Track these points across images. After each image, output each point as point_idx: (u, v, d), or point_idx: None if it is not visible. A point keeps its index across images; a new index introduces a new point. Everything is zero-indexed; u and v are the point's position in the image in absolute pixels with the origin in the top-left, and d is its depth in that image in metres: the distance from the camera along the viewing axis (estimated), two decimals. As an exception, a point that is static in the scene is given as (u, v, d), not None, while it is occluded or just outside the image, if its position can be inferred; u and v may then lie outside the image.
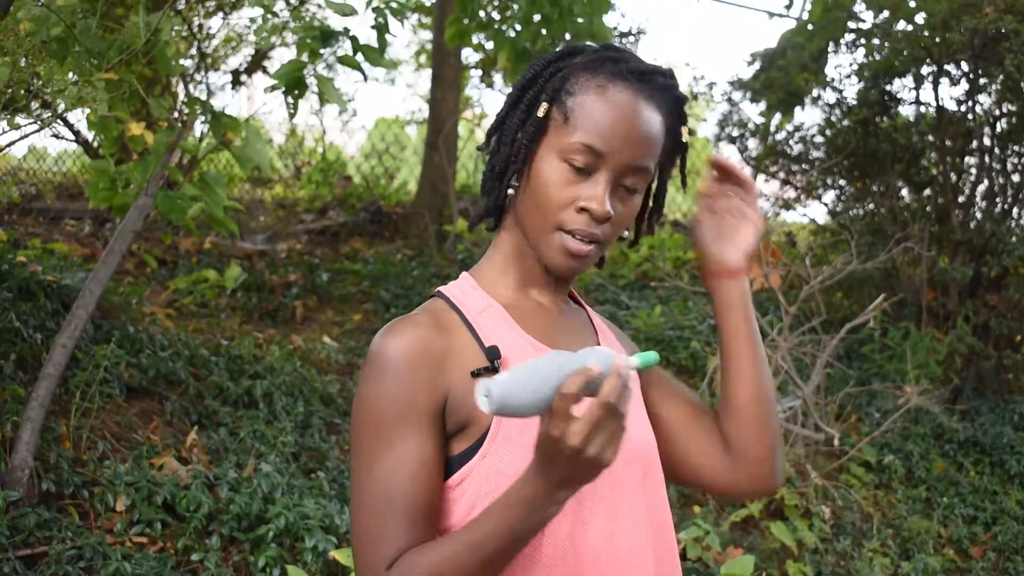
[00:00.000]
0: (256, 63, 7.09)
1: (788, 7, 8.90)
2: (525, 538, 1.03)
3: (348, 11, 3.10)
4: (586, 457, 0.96)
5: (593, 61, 1.17)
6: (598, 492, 1.15)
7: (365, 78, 3.35)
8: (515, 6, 4.28)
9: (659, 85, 1.17)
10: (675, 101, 1.20)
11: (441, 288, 1.23)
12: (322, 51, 3.13)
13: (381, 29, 3.27)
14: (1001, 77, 5.49)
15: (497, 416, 0.98)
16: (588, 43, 1.23)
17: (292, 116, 3.24)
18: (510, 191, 1.20)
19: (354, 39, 3.19)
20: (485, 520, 1.03)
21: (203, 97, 3.25)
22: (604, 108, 1.14)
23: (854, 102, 6.17)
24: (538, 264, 1.21)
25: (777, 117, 6.84)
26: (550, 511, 1.01)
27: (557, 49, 1.23)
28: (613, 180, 1.15)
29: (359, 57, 3.22)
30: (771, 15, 10.46)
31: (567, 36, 4.28)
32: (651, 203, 1.28)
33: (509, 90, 1.25)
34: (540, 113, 1.16)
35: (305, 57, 3.11)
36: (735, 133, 6.55)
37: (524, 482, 1.01)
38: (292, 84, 3.15)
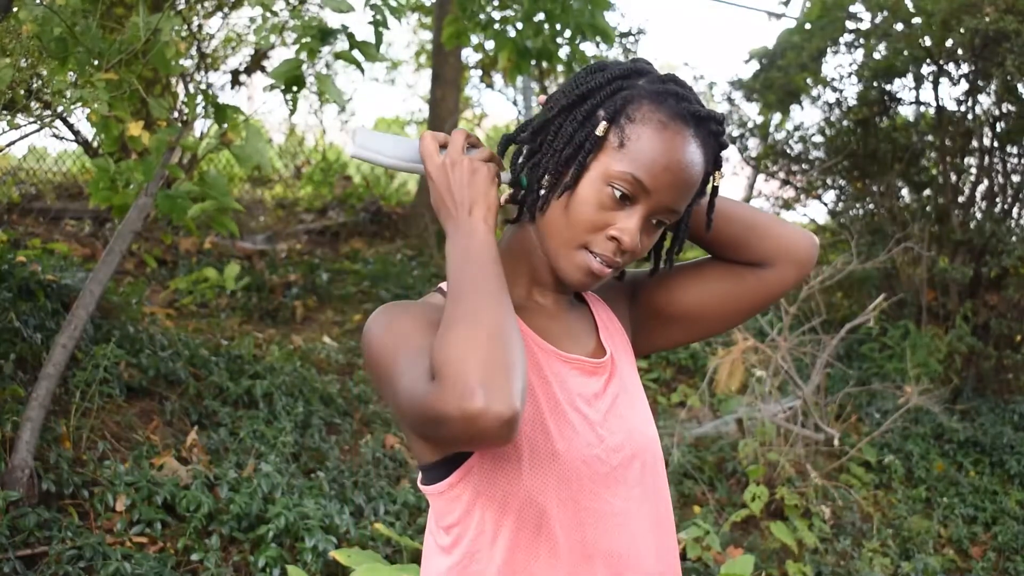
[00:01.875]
0: (256, 63, 7.08)
1: (786, 3, 8.93)
2: (483, 260, 1.10)
3: (345, 8, 3.09)
4: (467, 167, 1.16)
5: (659, 93, 1.16)
6: (596, 492, 1.15)
7: (363, 72, 3.35)
8: (516, 5, 4.27)
9: (711, 131, 1.18)
10: (718, 148, 1.21)
11: (442, 284, 1.23)
12: (321, 50, 3.12)
13: (379, 26, 3.27)
14: (999, 79, 5.49)
15: (359, 156, 1.17)
16: (652, 65, 1.22)
17: (292, 113, 3.24)
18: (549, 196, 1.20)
19: (351, 35, 3.19)
20: (450, 284, 1.09)
21: (204, 95, 3.24)
22: (661, 147, 1.13)
23: (854, 102, 6.17)
24: (545, 268, 1.22)
25: (777, 117, 6.84)
26: (479, 230, 1.13)
27: (621, 62, 1.22)
28: (648, 216, 1.15)
29: (356, 53, 3.21)
30: (771, 15, 10.46)
31: (567, 32, 4.27)
32: (667, 235, 1.28)
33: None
34: (599, 132, 1.15)
35: (304, 56, 3.11)
36: (735, 133, 6.55)
37: (447, 232, 1.15)
38: (290, 82, 3.14)
